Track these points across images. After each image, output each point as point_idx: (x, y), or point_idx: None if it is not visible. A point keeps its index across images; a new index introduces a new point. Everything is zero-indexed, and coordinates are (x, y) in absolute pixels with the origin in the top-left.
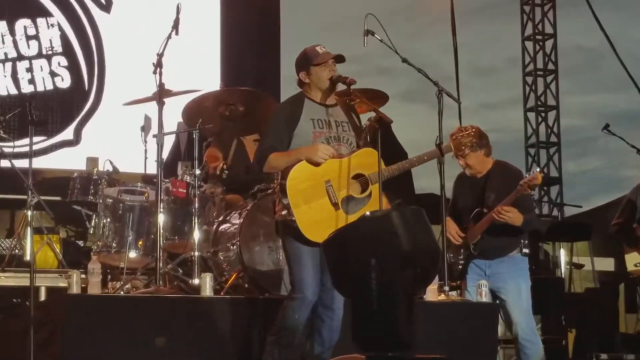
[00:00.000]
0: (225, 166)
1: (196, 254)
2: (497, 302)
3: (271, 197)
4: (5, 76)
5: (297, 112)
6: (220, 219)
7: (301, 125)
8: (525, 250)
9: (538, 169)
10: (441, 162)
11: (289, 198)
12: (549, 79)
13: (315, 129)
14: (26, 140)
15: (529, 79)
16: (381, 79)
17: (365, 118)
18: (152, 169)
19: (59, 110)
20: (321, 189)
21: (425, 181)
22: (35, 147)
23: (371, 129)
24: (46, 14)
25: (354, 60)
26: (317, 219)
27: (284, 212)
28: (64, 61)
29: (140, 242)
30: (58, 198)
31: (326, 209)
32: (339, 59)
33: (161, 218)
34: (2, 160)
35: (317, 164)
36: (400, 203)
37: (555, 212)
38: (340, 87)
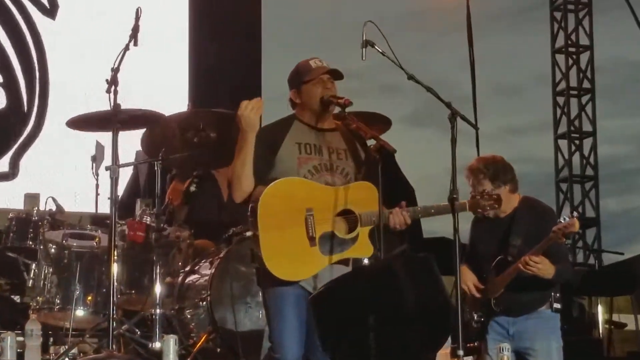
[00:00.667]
0: (170, 202)
1: (158, 311)
2: None
3: (249, 242)
4: None
5: (280, 135)
6: (187, 269)
7: (284, 149)
8: (557, 306)
9: (575, 214)
10: (455, 199)
11: (258, 218)
12: (584, 99)
13: (301, 154)
14: None
15: (561, 100)
16: (383, 98)
17: None
18: (105, 208)
19: None
20: (299, 216)
21: (435, 222)
22: None
23: (370, 160)
24: None
25: (350, 77)
26: (285, 252)
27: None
28: None
29: (89, 298)
30: None
31: (299, 242)
32: (334, 74)
33: (115, 268)
34: None
35: (251, 126)
36: (405, 249)
37: (591, 260)
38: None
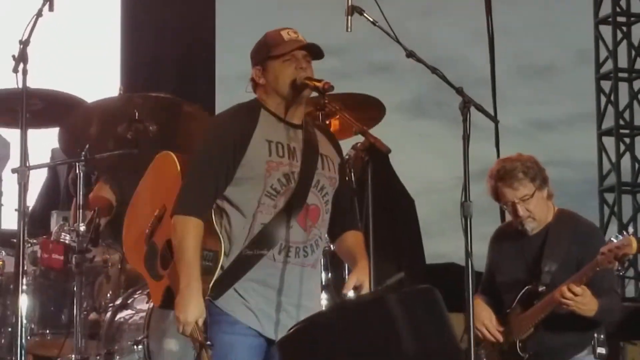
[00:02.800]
0: (97, 215)
1: (78, 357)
2: None
3: None
4: None
5: (247, 128)
6: (118, 302)
7: (252, 148)
8: (601, 351)
9: (632, 231)
10: (468, 214)
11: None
12: (636, 84)
13: (272, 157)
14: None
15: (606, 85)
16: (373, 81)
17: (348, 145)
18: (11, 222)
19: None
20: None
21: (442, 243)
22: None
23: (357, 162)
24: None
25: (331, 53)
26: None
27: None
28: None
29: None
30: None
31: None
32: (313, 51)
33: (24, 301)
34: None
35: None
36: (402, 279)
37: None
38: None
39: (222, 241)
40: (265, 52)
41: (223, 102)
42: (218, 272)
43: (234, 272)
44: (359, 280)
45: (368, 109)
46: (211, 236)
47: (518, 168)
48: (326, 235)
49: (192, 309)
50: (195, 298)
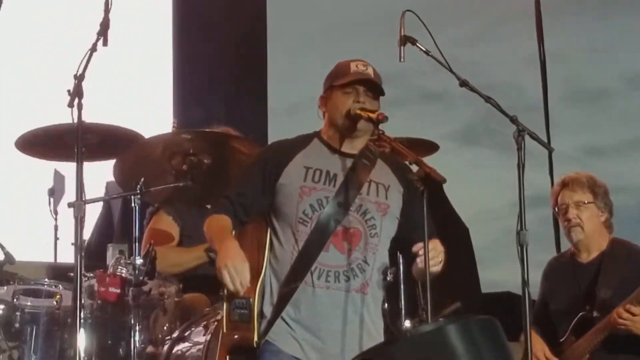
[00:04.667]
0: (152, 248)
1: None
2: None
3: None
4: None
5: (287, 154)
6: (175, 335)
7: (288, 173)
8: None
9: None
10: (524, 243)
11: None
12: None
13: (306, 183)
14: None
15: None
16: (426, 109)
17: None
18: (67, 256)
19: None
20: None
21: (496, 271)
22: None
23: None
24: None
25: (385, 81)
26: None
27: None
28: None
29: None
30: None
31: None
32: (374, 88)
33: (82, 335)
34: None
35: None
36: (459, 309)
37: None
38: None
39: (265, 282)
40: (330, 80)
41: (275, 133)
42: (267, 315)
43: (280, 304)
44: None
45: (422, 149)
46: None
47: (584, 178)
48: (382, 263)
49: (232, 253)
50: (233, 246)
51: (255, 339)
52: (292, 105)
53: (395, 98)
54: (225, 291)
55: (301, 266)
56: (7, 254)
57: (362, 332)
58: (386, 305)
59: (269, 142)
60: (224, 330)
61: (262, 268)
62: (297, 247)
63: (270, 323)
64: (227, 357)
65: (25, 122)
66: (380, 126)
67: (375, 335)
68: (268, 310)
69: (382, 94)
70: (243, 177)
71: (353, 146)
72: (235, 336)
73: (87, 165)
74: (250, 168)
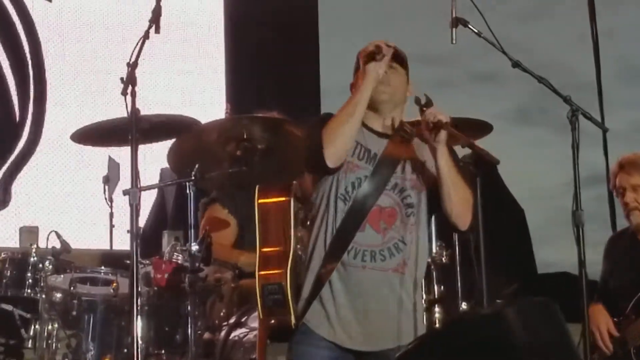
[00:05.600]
0: (208, 234)
1: None
2: None
3: None
4: None
5: None
6: (232, 321)
7: None
8: None
9: None
10: (580, 223)
11: None
12: None
13: (352, 159)
14: None
15: None
16: (479, 89)
17: None
18: (123, 243)
19: None
20: None
21: (551, 251)
22: None
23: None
24: None
25: (437, 63)
26: None
27: None
28: None
29: (106, 359)
30: None
31: None
32: (394, 54)
33: (139, 321)
34: None
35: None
36: (517, 290)
37: None
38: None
39: (297, 261)
40: (357, 61)
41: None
42: (304, 296)
43: (316, 285)
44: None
45: (476, 129)
46: (274, 268)
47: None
48: (423, 242)
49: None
50: None
51: (293, 321)
52: (345, 87)
53: (448, 79)
54: (257, 279)
55: (338, 246)
56: (63, 242)
57: (400, 313)
58: (442, 288)
59: None
60: (260, 317)
61: (289, 250)
62: (336, 224)
63: (308, 304)
64: (268, 342)
65: (79, 110)
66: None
67: (414, 316)
68: (306, 291)
69: (402, 59)
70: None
71: (387, 125)
72: (272, 321)
73: (142, 150)
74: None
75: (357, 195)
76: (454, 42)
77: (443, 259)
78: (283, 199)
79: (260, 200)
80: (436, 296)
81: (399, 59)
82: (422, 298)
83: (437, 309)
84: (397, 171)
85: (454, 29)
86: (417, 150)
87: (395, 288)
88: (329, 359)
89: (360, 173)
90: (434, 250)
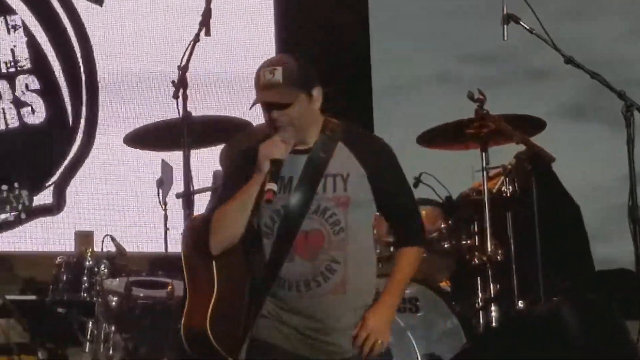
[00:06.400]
0: None
1: None
2: None
3: None
4: None
5: (253, 160)
6: None
7: None
8: None
9: None
10: (637, 219)
11: None
12: None
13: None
14: None
15: None
16: (531, 86)
17: (505, 154)
18: (178, 246)
19: (29, 161)
20: None
21: (607, 248)
22: None
23: (520, 172)
24: (5, 10)
25: (490, 61)
26: None
27: None
28: (34, 82)
29: None
30: (33, 297)
31: None
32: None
33: None
34: None
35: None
36: (572, 288)
37: None
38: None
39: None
40: None
41: (380, 114)
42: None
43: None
44: (359, 335)
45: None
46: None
47: None
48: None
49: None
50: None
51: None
52: (397, 86)
53: (500, 77)
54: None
55: (269, 281)
56: (118, 246)
57: (342, 334)
58: (498, 286)
59: (374, 125)
60: None
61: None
62: (264, 261)
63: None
64: None
65: (131, 114)
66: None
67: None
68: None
69: (289, 103)
70: (225, 189)
71: (305, 140)
72: None
73: (194, 153)
74: (230, 179)
75: (280, 226)
76: (505, 39)
77: (498, 257)
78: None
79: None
80: (492, 295)
81: (288, 80)
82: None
83: (493, 307)
84: (317, 192)
85: (505, 26)
86: (339, 158)
87: (337, 309)
88: None
89: (277, 205)
90: (489, 248)
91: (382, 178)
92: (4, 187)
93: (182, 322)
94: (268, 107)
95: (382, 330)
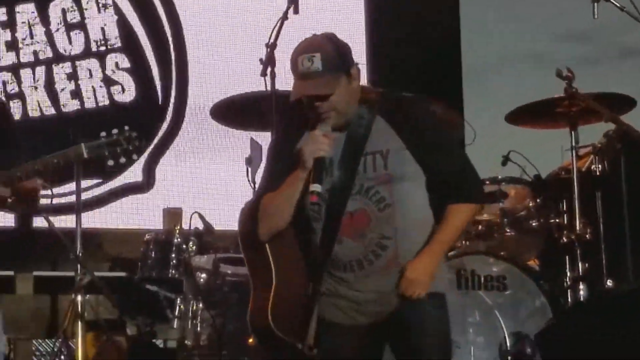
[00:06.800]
0: None
1: None
2: None
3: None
4: (36, 88)
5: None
6: None
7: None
8: None
9: None
10: None
11: None
12: None
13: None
14: (70, 187)
15: None
16: (624, 65)
17: (595, 132)
18: None
19: None
20: None
21: None
22: (84, 197)
23: (609, 151)
24: None
25: (578, 40)
26: None
27: None
28: (124, 61)
29: (250, 340)
30: (122, 274)
31: None
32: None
33: None
34: (34, 218)
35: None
36: None
37: None
38: None
39: None
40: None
41: (470, 94)
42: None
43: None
44: (401, 288)
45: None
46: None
47: None
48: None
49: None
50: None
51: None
52: (487, 65)
53: (591, 55)
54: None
55: (324, 263)
56: (206, 223)
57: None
58: (587, 265)
59: (464, 103)
60: None
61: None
62: (316, 245)
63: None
64: None
65: (220, 92)
66: (574, 83)
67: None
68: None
69: (328, 95)
70: (271, 176)
71: (341, 120)
72: None
73: None
74: (274, 164)
75: (325, 210)
76: (596, 17)
77: (587, 235)
78: None
79: None
80: (580, 273)
81: (328, 66)
82: None
83: (581, 286)
84: (358, 172)
85: (595, 4)
86: (378, 135)
87: (392, 282)
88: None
89: (322, 187)
90: (578, 227)
91: (421, 146)
92: (115, 131)
93: (248, 319)
94: (308, 97)
95: (421, 282)
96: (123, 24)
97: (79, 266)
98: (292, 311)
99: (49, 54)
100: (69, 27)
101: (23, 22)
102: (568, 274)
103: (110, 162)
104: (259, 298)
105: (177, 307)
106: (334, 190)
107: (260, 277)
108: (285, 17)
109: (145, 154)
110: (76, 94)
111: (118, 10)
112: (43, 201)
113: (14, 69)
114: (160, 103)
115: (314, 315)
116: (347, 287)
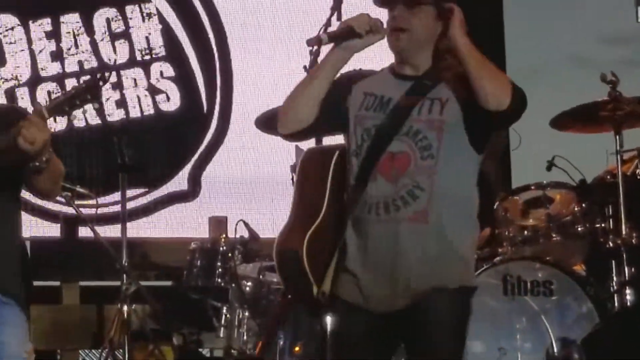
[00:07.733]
0: None
1: None
2: None
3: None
4: None
5: (355, 79)
6: None
7: (350, 101)
8: None
9: None
10: None
11: None
12: None
13: (360, 111)
14: (116, 196)
15: None
16: None
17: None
18: None
19: (164, 147)
20: None
21: None
22: (130, 206)
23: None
24: None
25: (621, 43)
26: None
27: None
28: (169, 70)
29: (296, 349)
30: (168, 283)
31: None
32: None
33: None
34: (80, 228)
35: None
36: None
37: None
38: None
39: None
40: None
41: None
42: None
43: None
44: None
45: None
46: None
47: None
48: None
49: None
50: None
51: (315, 291)
52: (533, 67)
53: (635, 59)
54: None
55: (353, 203)
56: (251, 231)
57: (421, 268)
58: (633, 269)
59: None
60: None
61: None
62: (351, 182)
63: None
64: None
65: (265, 100)
66: (618, 88)
67: (442, 272)
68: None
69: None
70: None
71: (416, 67)
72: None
73: (325, 138)
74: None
75: (368, 145)
76: (639, 20)
77: (633, 240)
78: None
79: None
80: (627, 278)
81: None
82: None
83: (628, 290)
84: (412, 114)
85: (638, 7)
86: (442, 87)
87: (416, 239)
88: (362, 325)
89: (369, 124)
90: (623, 231)
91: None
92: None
93: (277, 240)
94: (392, 4)
95: None
96: (167, 32)
97: (124, 276)
98: (321, 250)
99: (94, 63)
100: (114, 37)
101: (68, 32)
102: (614, 278)
103: (76, 113)
104: (297, 228)
105: (223, 316)
106: (382, 128)
107: (305, 209)
108: (328, 23)
109: (191, 162)
110: (121, 103)
111: (162, 20)
112: (88, 211)
113: (59, 79)
114: (205, 111)
115: (333, 262)
116: (366, 242)
